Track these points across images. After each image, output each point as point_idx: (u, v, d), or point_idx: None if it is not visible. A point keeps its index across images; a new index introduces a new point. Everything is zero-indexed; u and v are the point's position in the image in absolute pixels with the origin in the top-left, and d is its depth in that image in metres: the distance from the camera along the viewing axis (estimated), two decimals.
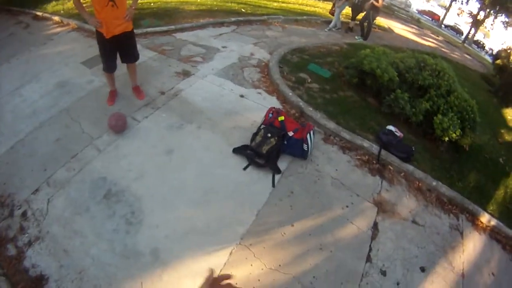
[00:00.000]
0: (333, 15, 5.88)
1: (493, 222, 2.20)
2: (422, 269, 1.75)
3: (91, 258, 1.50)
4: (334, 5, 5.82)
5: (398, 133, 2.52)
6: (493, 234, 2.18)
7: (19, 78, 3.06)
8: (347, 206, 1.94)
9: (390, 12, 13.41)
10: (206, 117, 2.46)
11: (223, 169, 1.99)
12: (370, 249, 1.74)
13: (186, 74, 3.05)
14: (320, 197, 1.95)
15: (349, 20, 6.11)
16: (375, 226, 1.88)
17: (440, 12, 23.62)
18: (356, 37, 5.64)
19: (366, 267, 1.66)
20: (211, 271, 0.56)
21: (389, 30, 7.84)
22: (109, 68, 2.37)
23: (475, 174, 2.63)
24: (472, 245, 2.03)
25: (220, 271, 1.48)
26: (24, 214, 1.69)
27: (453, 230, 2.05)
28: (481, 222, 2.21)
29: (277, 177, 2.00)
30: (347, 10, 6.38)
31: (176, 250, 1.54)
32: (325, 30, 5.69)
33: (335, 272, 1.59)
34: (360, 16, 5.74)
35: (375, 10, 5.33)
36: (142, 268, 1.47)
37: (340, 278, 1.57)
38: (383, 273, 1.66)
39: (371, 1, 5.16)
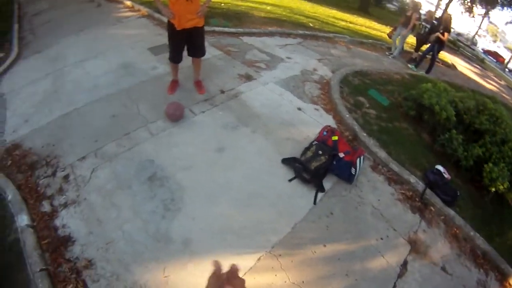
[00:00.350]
0: (390, 38, 5.76)
1: None
2: None
3: (122, 232, 1.56)
4: (394, 29, 5.72)
5: (446, 175, 2.46)
6: None
7: (85, 52, 3.27)
8: (381, 239, 1.94)
9: (455, 48, 12.89)
10: (262, 123, 2.56)
11: (270, 176, 2.05)
12: (395, 286, 1.73)
13: (248, 77, 3.19)
14: (358, 224, 1.97)
15: (413, 51, 5.93)
16: (404, 264, 1.86)
17: (506, 54, 22.22)
18: (409, 65, 5.47)
19: None
20: (217, 264, 0.47)
21: (452, 67, 7.50)
22: (175, 58, 2.46)
23: None
24: None
25: (244, 274, 1.50)
26: (66, 177, 1.79)
27: (479, 286, 1.98)
28: (510, 285, 2.08)
29: (320, 195, 2.04)
30: (412, 39, 6.19)
31: (207, 244, 1.59)
32: (389, 57, 5.60)
33: None
34: (424, 47, 5.54)
35: (440, 44, 5.12)
36: (170, 254, 1.52)
37: None
38: None
39: (437, 34, 4.96)
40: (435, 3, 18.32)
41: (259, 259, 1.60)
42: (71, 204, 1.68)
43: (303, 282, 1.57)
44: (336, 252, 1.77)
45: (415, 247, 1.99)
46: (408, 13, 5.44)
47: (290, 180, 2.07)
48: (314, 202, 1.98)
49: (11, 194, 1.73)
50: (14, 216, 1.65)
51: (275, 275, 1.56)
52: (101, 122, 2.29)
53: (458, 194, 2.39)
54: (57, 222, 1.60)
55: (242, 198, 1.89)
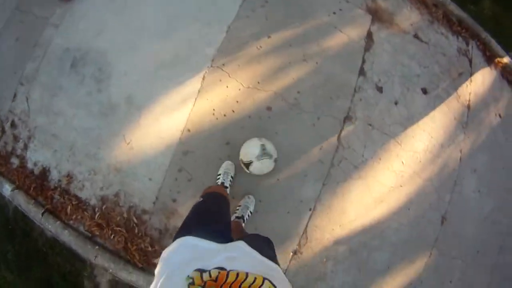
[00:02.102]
0: None
1: (507, 60, 1.99)
2: (424, 91, 1.65)
3: (75, 130, 1.55)
4: None
5: None
6: (505, 73, 2.01)
7: None
8: (334, 13, 1.68)
9: None
10: None
11: None
12: (364, 61, 1.59)
13: None
14: (301, 4, 1.68)
15: None
16: (369, 36, 1.66)
17: None
18: None
19: (359, 81, 1.55)
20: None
21: None
22: None
23: (491, 3, 2.24)
24: (481, 78, 1.89)
25: (195, 100, 1.46)
26: (12, 124, 1.73)
27: (461, 55, 1.86)
28: (493, 56, 1.98)
29: None
30: None
31: (148, 91, 1.52)
32: None
33: (323, 86, 1.51)
34: None
35: None
36: (121, 119, 1.50)
37: (328, 92, 1.50)
38: (379, 89, 1.57)
39: None
40: None
41: (203, 78, 1.49)
42: (28, 140, 1.67)
43: (258, 83, 1.48)
44: (284, 39, 1.57)
45: (377, 15, 1.75)
46: None
47: None
48: None
49: None
50: None
51: (227, 87, 1.48)
52: (10, 53, 2.06)
53: None
54: (29, 165, 1.62)
55: (162, 28, 1.67)
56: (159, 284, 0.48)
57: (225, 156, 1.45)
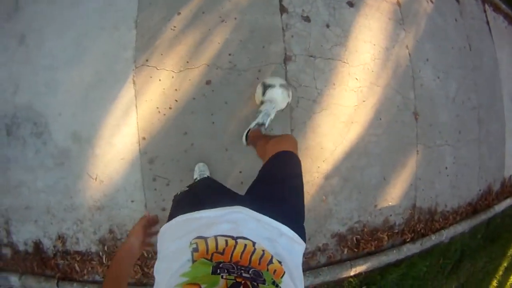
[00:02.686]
0: None
1: None
2: (350, 4, 1.63)
3: (43, 192, 1.50)
4: None
5: None
6: None
7: None
8: None
9: None
10: None
11: (78, 8, 1.59)
12: None
13: None
14: None
15: None
16: None
17: None
18: None
19: (284, 19, 1.52)
20: (147, 213, 0.63)
21: None
22: None
23: None
24: None
25: (136, 106, 1.41)
26: None
27: None
28: None
29: None
30: None
31: (88, 119, 1.46)
32: None
33: (251, 38, 1.48)
34: None
35: None
36: (78, 160, 1.47)
37: (259, 42, 1.48)
38: (306, 19, 1.53)
39: None
40: None
41: (134, 82, 1.43)
42: (8, 225, 1.58)
43: (187, 62, 1.43)
44: (195, 9, 1.48)
45: None
46: None
47: None
48: None
49: None
50: None
51: (159, 80, 1.42)
52: None
53: None
54: (21, 248, 1.57)
55: (71, 52, 1.56)
56: (160, 258, 0.46)
57: (188, 146, 1.42)
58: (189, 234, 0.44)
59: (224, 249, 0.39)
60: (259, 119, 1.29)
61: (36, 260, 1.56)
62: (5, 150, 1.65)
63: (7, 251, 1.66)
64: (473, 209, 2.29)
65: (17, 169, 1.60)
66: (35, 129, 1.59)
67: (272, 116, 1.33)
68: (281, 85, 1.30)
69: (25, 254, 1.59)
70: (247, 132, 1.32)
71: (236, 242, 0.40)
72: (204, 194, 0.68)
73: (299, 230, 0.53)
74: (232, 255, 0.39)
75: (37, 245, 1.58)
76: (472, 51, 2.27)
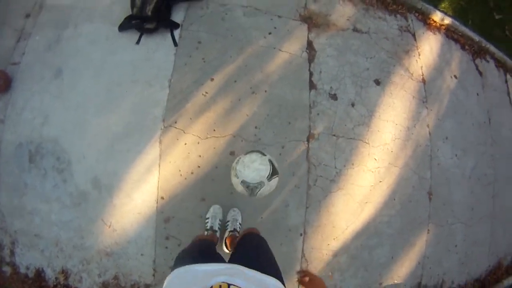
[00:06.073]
0: None
1: (447, 20, 2.05)
2: (377, 82, 1.68)
3: (56, 225, 1.54)
4: None
5: None
6: (449, 33, 2.08)
7: None
8: (269, 33, 1.65)
9: None
10: (80, 10, 1.93)
11: (115, 55, 1.68)
12: (311, 74, 1.59)
13: None
14: (234, 34, 1.64)
15: None
16: (309, 45, 1.65)
17: None
18: None
19: (312, 96, 1.56)
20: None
21: None
22: None
23: None
24: (428, 47, 1.94)
25: (159, 166, 1.45)
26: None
27: (403, 32, 1.88)
28: (434, 21, 2.02)
29: (176, 33, 1.64)
30: None
31: (111, 168, 1.50)
32: None
33: (278, 113, 1.51)
34: None
35: None
36: (95, 205, 1.50)
37: (285, 118, 1.51)
38: (333, 97, 1.58)
39: None
40: None
41: (160, 142, 1.47)
42: (13, 246, 1.63)
43: (214, 130, 1.49)
44: (227, 77, 1.55)
45: (312, 22, 1.72)
46: None
47: (137, 42, 1.68)
48: (175, 44, 1.62)
49: None
50: None
51: (185, 144, 1.47)
52: None
53: None
54: (22, 270, 1.59)
55: (103, 99, 1.62)
56: None
57: (204, 212, 1.45)
58: (192, 286, 0.52)
59: None
60: (229, 228, 1.36)
61: (35, 286, 1.59)
62: (25, 176, 1.71)
63: (7, 269, 1.69)
64: (481, 284, 2.24)
65: (33, 196, 1.64)
66: (57, 164, 1.65)
67: (240, 220, 1.40)
68: (269, 176, 1.02)
69: (24, 277, 1.62)
70: (225, 241, 1.39)
71: (229, 286, 0.48)
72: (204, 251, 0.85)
73: (281, 281, 0.65)
74: None
75: (39, 272, 1.61)
76: (491, 124, 2.27)
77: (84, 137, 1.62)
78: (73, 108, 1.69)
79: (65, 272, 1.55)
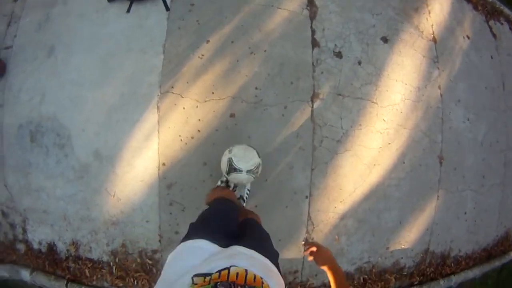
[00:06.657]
0: None
1: None
2: (385, 40, 1.56)
3: (62, 200, 1.56)
4: None
5: None
6: None
7: None
8: None
9: None
10: None
11: (106, 27, 1.62)
12: (313, 32, 1.49)
13: None
14: None
15: None
16: (310, 2, 1.54)
17: None
18: None
19: (315, 54, 1.47)
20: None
21: None
22: None
23: None
24: (438, 6, 1.81)
25: (158, 132, 1.42)
26: (3, 213, 1.73)
27: None
28: None
29: None
30: None
31: (111, 140, 1.49)
32: None
33: (279, 73, 1.44)
34: None
35: None
36: (97, 176, 1.49)
37: (287, 77, 1.44)
38: (338, 55, 1.49)
39: None
40: None
41: (158, 108, 1.44)
42: (24, 224, 1.67)
43: (213, 93, 1.43)
44: (223, 38, 1.47)
45: None
46: None
47: (128, 11, 1.60)
48: (167, 8, 1.52)
49: None
50: None
51: (183, 108, 1.42)
52: None
53: None
54: (35, 246, 1.64)
55: (98, 73, 1.59)
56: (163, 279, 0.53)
57: (207, 176, 1.42)
58: (188, 273, 0.49)
59: (219, 275, 0.46)
60: (236, 195, 1.32)
61: (49, 259, 1.63)
62: (28, 155, 1.72)
63: (21, 247, 1.74)
64: (488, 254, 2.21)
65: (38, 174, 1.66)
66: (58, 140, 1.65)
67: (248, 186, 1.36)
68: (248, 171, 1.16)
69: (38, 253, 1.66)
70: None
71: (229, 270, 0.47)
72: (217, 222, 0.83)
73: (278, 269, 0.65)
74: (228, 277, 0.46)
75: (51, 246, 1.65)
76: (505, 90, 2.16)
77: (82, 112, 1.60)
78: (69, 84, 1.67)
79: (75, 244, 1.58)
